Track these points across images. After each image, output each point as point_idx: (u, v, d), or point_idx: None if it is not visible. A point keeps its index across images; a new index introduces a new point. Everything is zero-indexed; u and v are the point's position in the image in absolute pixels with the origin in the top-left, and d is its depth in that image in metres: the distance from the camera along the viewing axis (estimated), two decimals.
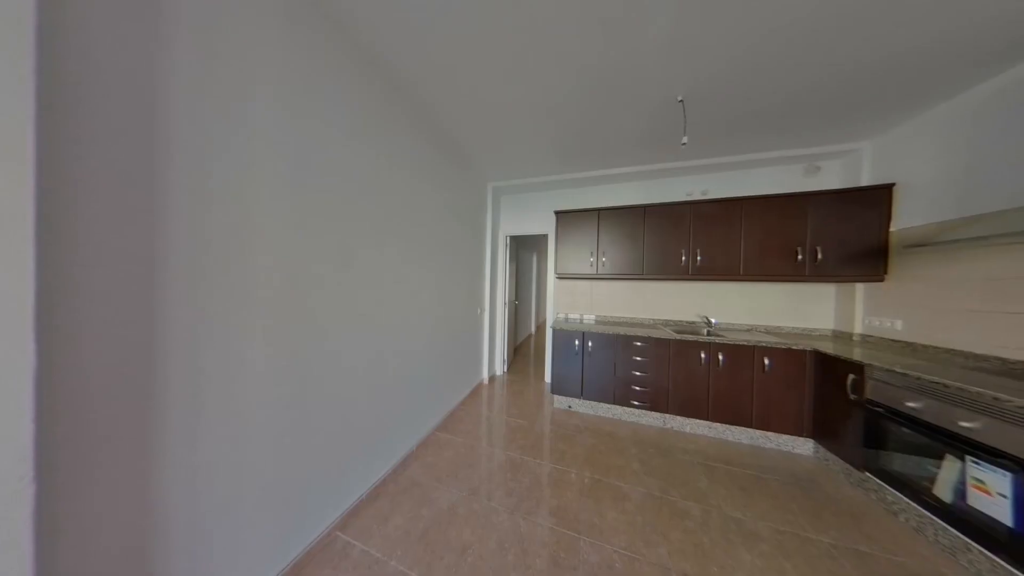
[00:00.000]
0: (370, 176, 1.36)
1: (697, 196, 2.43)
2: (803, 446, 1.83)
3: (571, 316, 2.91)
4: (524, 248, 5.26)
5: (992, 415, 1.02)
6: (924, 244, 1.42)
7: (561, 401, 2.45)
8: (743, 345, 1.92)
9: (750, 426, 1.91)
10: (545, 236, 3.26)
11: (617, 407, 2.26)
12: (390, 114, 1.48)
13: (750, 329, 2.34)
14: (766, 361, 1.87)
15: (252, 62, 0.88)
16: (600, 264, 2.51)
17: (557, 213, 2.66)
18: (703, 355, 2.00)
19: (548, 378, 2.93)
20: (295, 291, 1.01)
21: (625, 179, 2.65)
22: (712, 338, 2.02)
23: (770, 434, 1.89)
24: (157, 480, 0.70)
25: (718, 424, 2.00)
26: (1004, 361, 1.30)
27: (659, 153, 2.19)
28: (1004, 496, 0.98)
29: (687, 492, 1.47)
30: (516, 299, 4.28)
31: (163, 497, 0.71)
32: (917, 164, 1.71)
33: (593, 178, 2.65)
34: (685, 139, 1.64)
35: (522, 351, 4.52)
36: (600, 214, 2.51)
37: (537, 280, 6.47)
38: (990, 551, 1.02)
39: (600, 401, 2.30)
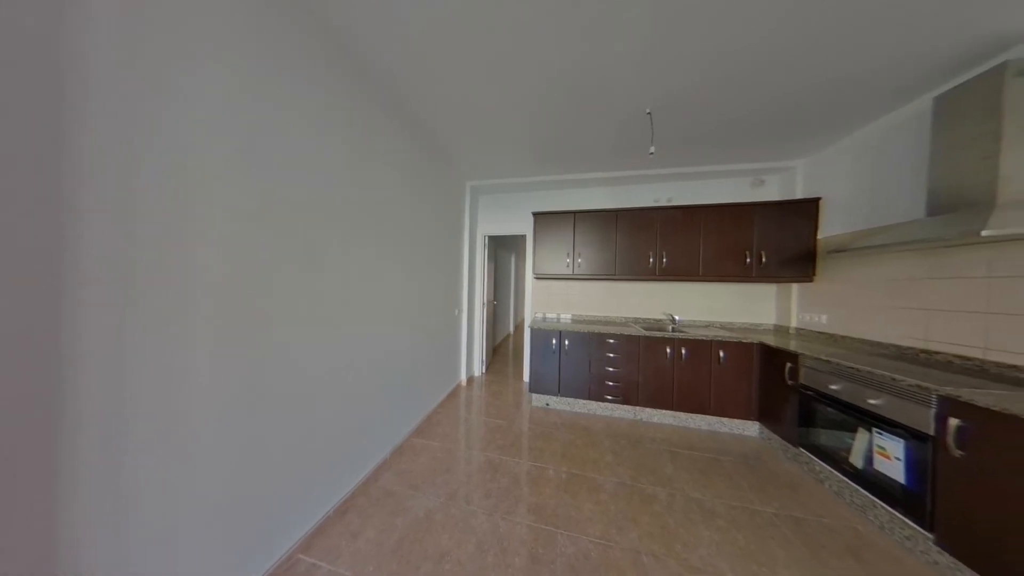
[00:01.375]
0: (340, 169, 1.28)
1: (663, 203, 2.61)
2: (751, 428, 2.06)
3: (548, 315, 2.97)
4: (503, 248, 5.27)
5: (891, 393, 1.23)
6: (842, 250, 1.67)
7: (539, 399, 2.50)
8: (702, 340, 2.11)
9: (708, 413, 2.10)
10: (523, 237, 3.30)
11: (592, 402, 2.35)
12: (364, 106, 1.40)
13: (708, 325, 2.57)
14: (721, 354, 2.07)
15: (196, 30, 0.78)
16: (576, 265, 2.60)
17: (535, 214, 2.70)
18: (668, 350, 2.16)
19: (526, 377, 2.97)
20: (250, 293, 0.92)
21: (599, 184, 2.77)
22: (676, 334, 2.19)
23: (724, 420, 2.10)
24: (68, 510, 0.60)
25: (681, 413, 2.17)
26: (899, 348, 1.57)
27: (630, 160, 2.32)
28: (899, 459, 1.19)
29: (655, 478, 1.58)
30: (495, 299, 4.27)
31: (77, 529, 0.61)
32: (837, 181, 2.01)
33: (569, 181, 2.73)
34: (653, 149, 1.77)
35: (501, 351, 4.52)
36: (576, 216, 2.59)
37: (515, 280, 6.52)
38: (890, 506, 1.23)
39: (576, 397, 2.38)
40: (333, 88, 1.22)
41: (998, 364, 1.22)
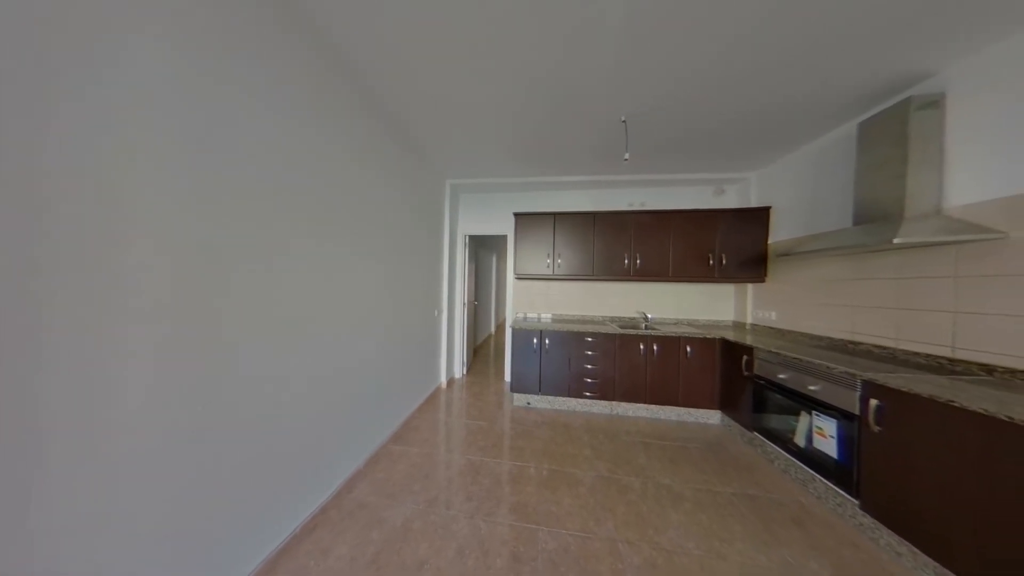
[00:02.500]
0: (308, 159, 1.19)
1: (637, 207, 2.75)
2: (713, 417, 2.24)
3: (529, 315, 3.01)
4: (484, 248, 5.24)
5: (826, 379, 1.40)
6: (788, 254, 1.87)
7: (520, 399, 2.52)
8: (671, 336, 2.25)
9: (677, 405, 2.25)
10: (505, 237, 3.31)
11: (572, 399, 2.42)
12: (333, 96, 1.33)
13: (677, 322, 2.75)
14: (688, 349, 2.23)
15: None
16: (556, 266, 2.65)
17: (516, 215, 2.72)
18: (642, 347, 2.28)
19: (508, 377, 2.98)
20: (201, 293, 0.83)
21: (579, 187, 2.85)
22: (648, 332, 2.32)
23: (691, 410, 2.26)
24: None
25: (654, 406, 2.30)
26: (832, 340, 1.80)
27: (607, 165, 2.42)
28: (832, 437, 1.36)
29: (630, 469, 1.66)
30: (476, 299, 4.23)
31: None
32: (784, 192, 2.25)
33: (550, 183, 2.79)
34: (627, 155, 1.87)
35: (482, 352, 4.49)
36: (556, 218, 2.65)
37: (497, 280, 6.50)
38: (825, 479, 1.40)
39: (556, 395, 2.43)
40: (298, 75, 1.14)
41: (906, 352, 1.44)
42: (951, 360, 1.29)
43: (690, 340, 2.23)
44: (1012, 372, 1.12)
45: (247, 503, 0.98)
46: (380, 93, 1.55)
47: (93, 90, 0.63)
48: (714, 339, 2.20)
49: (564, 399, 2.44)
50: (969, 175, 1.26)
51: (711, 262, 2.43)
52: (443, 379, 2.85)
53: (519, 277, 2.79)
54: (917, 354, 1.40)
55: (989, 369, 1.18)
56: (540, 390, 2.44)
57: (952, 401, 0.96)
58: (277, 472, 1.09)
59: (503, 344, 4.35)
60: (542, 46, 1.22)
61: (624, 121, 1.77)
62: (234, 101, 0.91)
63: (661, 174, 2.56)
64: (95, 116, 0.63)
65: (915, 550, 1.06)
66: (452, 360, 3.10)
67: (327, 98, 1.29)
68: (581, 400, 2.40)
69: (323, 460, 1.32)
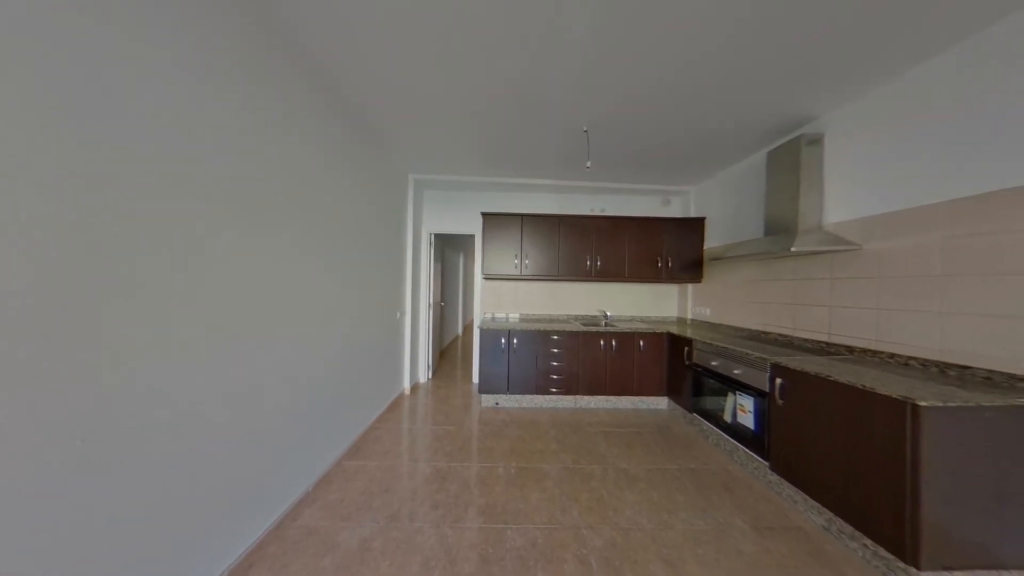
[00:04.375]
0: (234, 133, 1.02)
1: (598, 212, 2.95)
2: (662, 403, 2.51)
3: (497, 315, 3.02)
4: (451, 247, 5.10)
5: (746, 364, 1.67)
6: (719, 258, 2.20)
7: (488, 399, 2.51)
8: (627, 332, 2.47)
9: (632, 394, 2.47)
10: (472, 236, 3.27)
11: (539, 396, 2.49)
12: (275, 68, 1.18)
13: (632, 319, 3.02)
14: (641, 343, 2.46)
15: None
16: (524, 266, 2.71)
17: (484, 215, 2.71)
18: (602, 343, 2.46)
19: (476, 378, 2.95)
20: (76, 304, 0.65)
21: (545, 190, 2.95)
22: (608, 328, 2.51)
23: (644, 398, 2.50)
24: None
25: (612, 397, 2.49)
26: (751, 331, 2.16)
27: (571, 171, 2.55)
28: (750, 412, 1.63)
29: (592, 458, 1.77)
30: (442, 300, 4.09)
31: None
32: (716, 205, 2.63)
33: (518, 185, 2.84)
34: (589, 163, 2.00)
35: (448, 354, 4.37)
36: (523, 219, 2.71)
37: (464, 280, 6.38)
38: (746, 447, 1.67)
39: (524, 393, 2.48)
40: (231, 40, 0.99)
41: (800, 338, 1.80)
42: (828, 344, 1.64)
43: (643, 335, 2.47)
44: (864, 351, 1.47)
45: (155, 548, 0.81)
46: (335, 75, 1.42)
47: None
48: (662, 333, 2.47)
49: (532, 397, 2.50)
50: (838, 200, 1.62)
51: (659, 264, 2.72)
52: (407, 385, 2.71)
53: (487, 277, 2.78)
54: (807, 340, 1.76)
55: (851, 349, 1.53)
56: (508, 390, 2.47)
57: (828, 376, 1.22)
58: (197, 509, 0.92)
59: (471, 345, 4.29)
60: (510, 49, 1.25)
61: (586, 131, 1.89)
62: (130, 55, 0.74)
63: (618, 183, 2.79)
64: None
65: (806, 496, 1.33)
66: (416, 364, 2.96)
67: (266, 68, 1.14)
68: (548, 397, 2.49)
69: (259, 488, 1.15)
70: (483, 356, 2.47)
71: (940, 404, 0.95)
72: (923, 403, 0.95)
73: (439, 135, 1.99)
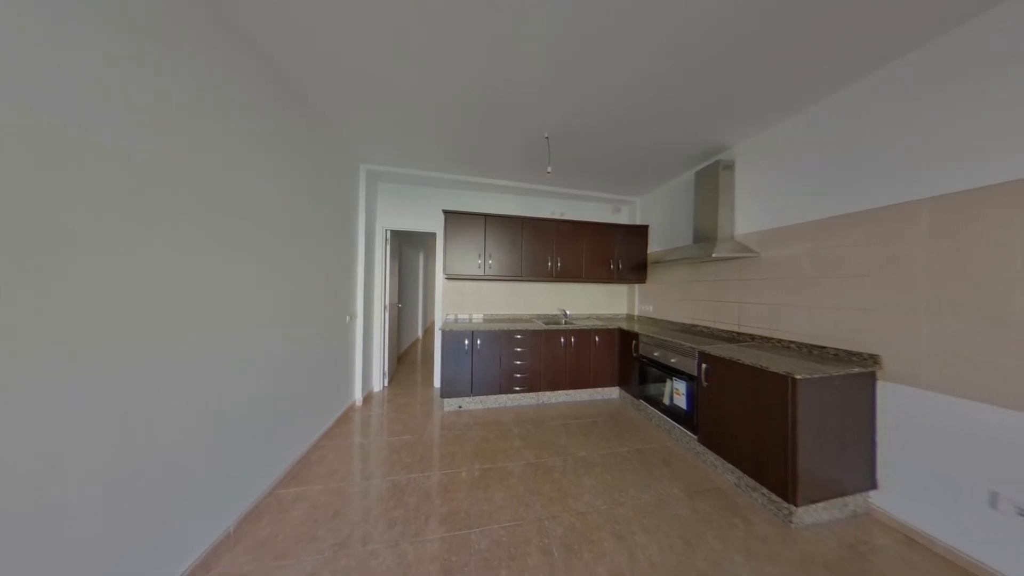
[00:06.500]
0: (125, 95, 0.82)
1: (558, 216, 3.10)
2: (614, 392, 2.75)
3: (460, 316, 2.96)
4: (409, 245, 4.83)
5: (680, 353, 1.94)
6: (659, 262, 2.50)
7: (451, 403, 2.45)
8: (585, 329, 2.65)
9: (589, 387, 2.66)
10: (433, 234, 3.14)
11: (503, 396, 2.52)
12: (192, 32, 0.97)
13: (589, 317, 3.25)
14: (596, 339, 2.66)
15: None
16: (487, 266, 2.71)
17: (446, 212, 2.63)
18: (562, 340, 2.59)
19: (437, 383, 2.84)
20: None
21: (508, 191, 2.99)
22: (567, 326, 2.65)
23: (599, 389, 2.71)
24: None
25: (572, 390, 2.64)
26: (684, 324, 2.50)
27: (533, 175, 2.63)
28: (683, 394, 1.90)
29: (553, 450, 1.85)
30: (399, 302, 3.85)
31: None
32: (657, 214, 2.98)
33: (481, 184, 2.82)
34: (550, 168, 2.09)
35: (407, 359, 4.13)
36: (487, 219, 2.70)
37: (425, 280, 6.09)
38: (680, 425, 1.93)
39: (488, 394, 2.48)
40: None
41: (719, 330, 2.15)
42: (738, 333, 2.00)
43: (598, 331, 2.67)
44: (763, 338, 1.83)
45: None
46: (265, 42, 1.23)
47: None
48: (613, 329, 2.71)
49: (496, 396, 2.51)
50: (746, 215, 1.99)
51: (612, 266, 2.98)
52: (358, 395, 2.48)
53: (449, 277, 2.70)
54: (724, 331, 2.11)
55: (753, 337, 1.89)
56: (472, 391, 2.44)
57: (738, 359, 1.49)
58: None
59: (432, 348, 4.11)
60: (473, 47, 1.24)
61: (547, 137, 1.97)
62: None
63: (576, 190, 2.98)
64: None
65: (724, 461, 1.59)
66: (370, 372, 2.74)
67: (184, 36, 0.95)
68: (512, 395, 2.53)
69: (147, 546, 0.90)
70: (445, 359, 2.40)
71: (809, 376, 1.24)
72: (799, 376, 1.23)
73: (394, 124, 1.88)
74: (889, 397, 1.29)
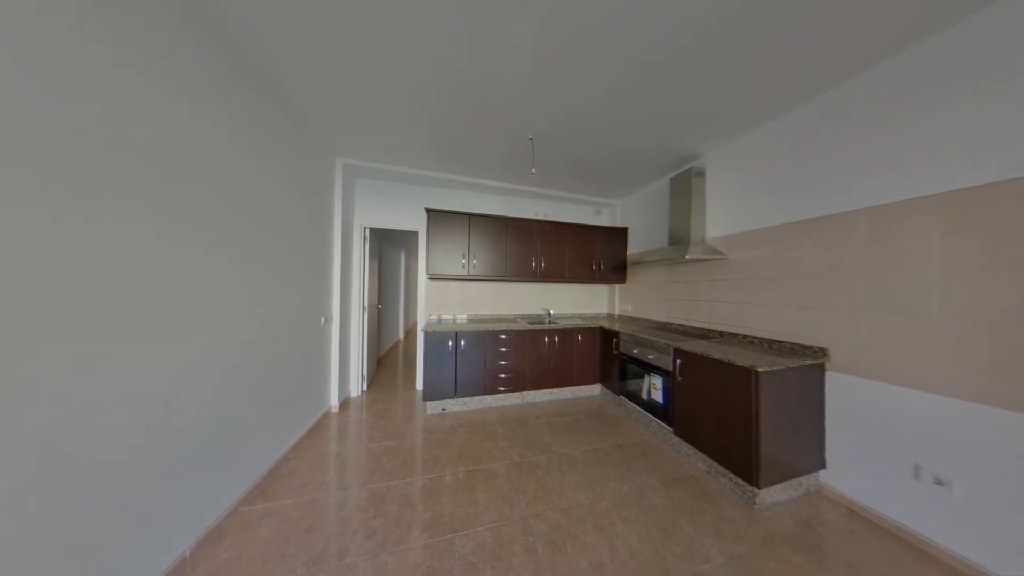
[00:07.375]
0: (60, 71, 0.74)
1: (542, 217, 3.14)
2: (596, 389, 2.83)
3: (444, 317, 2.91)
4: (390, 244, 4.67)
5: (657, 350, 2.04)
6: (638, 263, 2.62)
7: (434, 406, 2.40)
8: (568, 328, 2.70)
9: (571, 385, 2.72)
10: (415, 233, 3.06)
11: (488, 396, 2.51)
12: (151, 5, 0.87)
13: (571, 316, 3.32)
14: (579, 338, 2.73)
15: None
16: (472, 266, 2.68)
17: (428, 211, 2.57)
18: (546, 339, 2.63)
19: (420, 385, 2.77)
20: None
21: (492, 191, 2.98)
22: (551, 325, 2.69)
23: (582, 387, 2.78)
24: None
25: (555, 388, 2.69)
26: (660, 322, 2.63)
27: (517, 175, 2.65)
28: (660, 389, 2.00)
29: (538, 449, 1.87)
30: (379, 303, 3.70)
31: None
32: (635, 217, 3.11)
33: (465, 183, 2.79)
34: (534, 170, 2.12)
35: (388, 361, 3.98)
36: (471, 219, 2.68)
37: (406, 280, 5.92)
38: (657, 418, 2.03)
39: (473, 395, 2.46)
40: None
41: (692, 327, 2.29)
42: (709, 330, 2.13)
43: (580, 330, 2.74)
44: (731, 335, 1.97)
45: None
46: (232, 31, 1.14)
47: None
48: (595, 328, 2.79)
49: (480, 397, 2.49)
50: (716, 220, 2.13)
51: (593, 267, 3.07)
52: (334, 401, 2.36)
53: (432, 277, 2.65)
54: (696, 328, 2.25)
55: (722, 333, 2.03)
56: (456, 393, 2.40)
57: (708, 354, 1.60)
58: None
59: (414, 350, 3.99)
60: (455, 44, 1.22)
61: (531, 139, 1.99)
62: None
63: (559, 191, 3.03)
64: None
65: (696, 450, 1.70)
66: (347, 376, 2.61)
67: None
68: (496, 396, 2.52)
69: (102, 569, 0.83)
70: (428, 360, 2.34)
71: (769, 368, 1.35)
72: (761, 368, 1.34)
73: (373, 116, 1.80)
74: (835, 385, 1.44)
